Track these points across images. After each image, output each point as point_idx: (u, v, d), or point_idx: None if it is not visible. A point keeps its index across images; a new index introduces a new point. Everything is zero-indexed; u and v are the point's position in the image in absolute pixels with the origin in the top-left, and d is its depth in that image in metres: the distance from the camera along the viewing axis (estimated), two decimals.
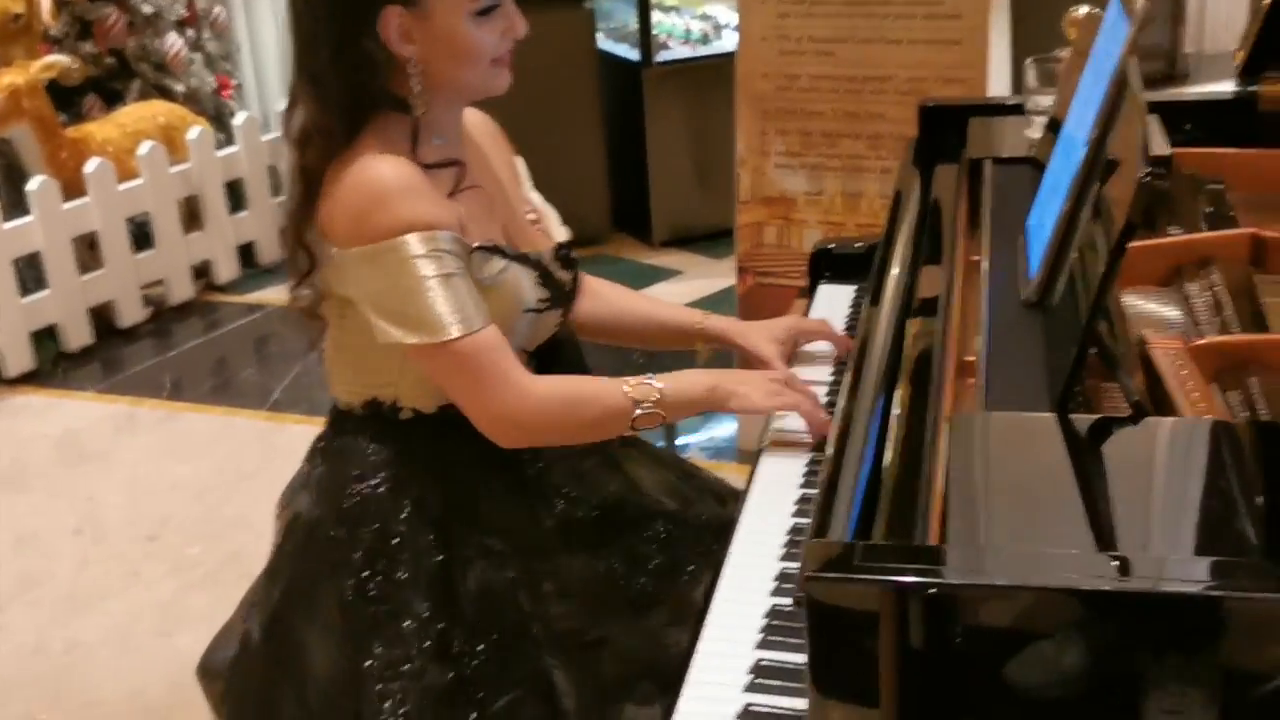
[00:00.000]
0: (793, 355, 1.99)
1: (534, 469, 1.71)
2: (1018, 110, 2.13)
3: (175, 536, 3.36)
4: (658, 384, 1.66)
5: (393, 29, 1.58)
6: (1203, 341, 1.43)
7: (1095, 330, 1.27)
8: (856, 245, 2.25)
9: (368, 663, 1.61)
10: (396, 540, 1.66)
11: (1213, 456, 1.17)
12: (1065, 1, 2.42)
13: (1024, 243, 1.63)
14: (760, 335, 1.95)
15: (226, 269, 4.91)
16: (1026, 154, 1.93)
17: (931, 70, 3.02)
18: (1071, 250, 1.46)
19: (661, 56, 4.81)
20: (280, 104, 5.16)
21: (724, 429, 3.60)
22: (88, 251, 4.45)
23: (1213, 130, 2.02)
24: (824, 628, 1.05)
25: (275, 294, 4.78)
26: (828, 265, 2.26)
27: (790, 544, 1.53)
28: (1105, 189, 1.40)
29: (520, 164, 1.89)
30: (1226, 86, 2.09)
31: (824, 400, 1.86)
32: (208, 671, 1.85)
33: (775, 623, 1.41)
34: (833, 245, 2.29)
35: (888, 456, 1.34)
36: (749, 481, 1.69)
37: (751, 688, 1.33)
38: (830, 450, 1.46)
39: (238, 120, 4.93)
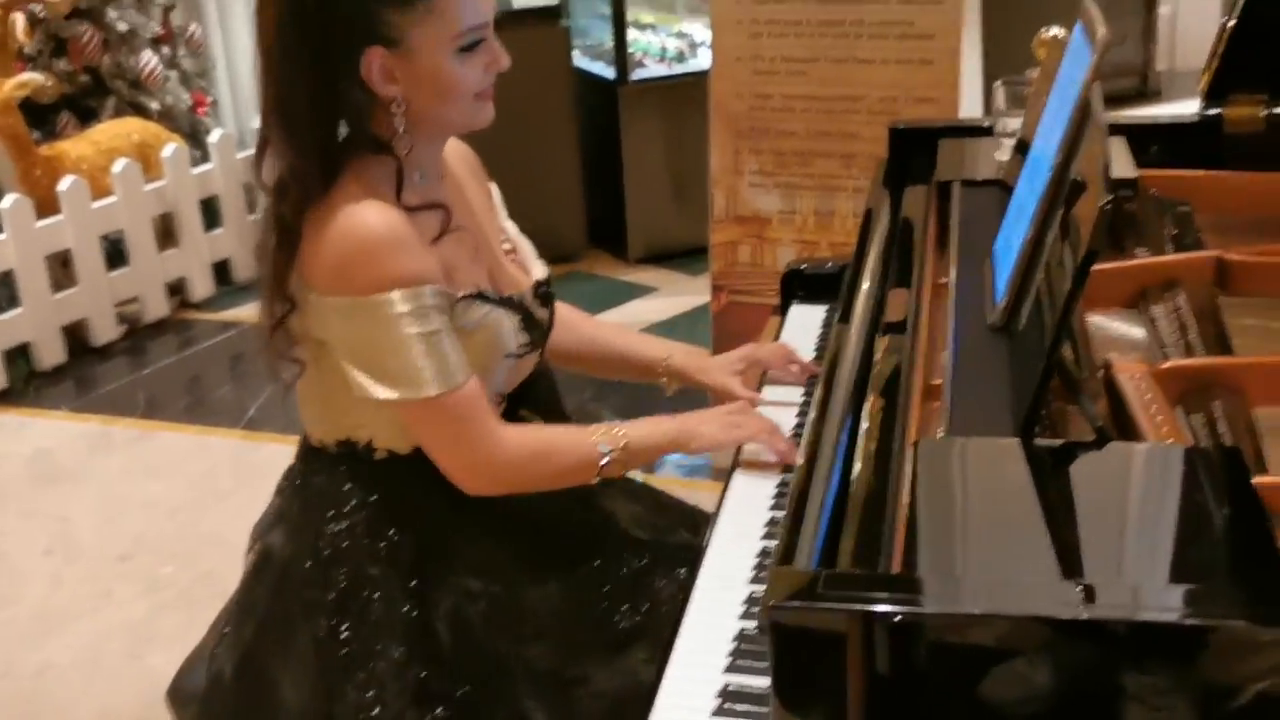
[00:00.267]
0: (762, 378, 2.00)
1: (508, 508, 1.71)
2: (987, 132, 2.15)
3: (148, 556, 3.34)
4: (624, 432, 1.68)
5: (375, 70, 1.56)
6: (1166, 365, 1.44)
7: (1059, 355, 1.28)
8: (828, 265, 2.26)
9: (340, 705, 1.61)
10: (370, 582, 1.66)
11: (1175, 482, 1.18)
12: (1036, 22, 2.44)
13: (991, 266, 1.64)
14: (720, 370, 1.98)
15: (202, 286, 4.89)
16: (995, 176, 1.95)
17: (904, 90, 3.04)
18: (1037, 274, 1.47)
19: (637, 74, 4.82)
20: (256, 120, 5.17)
21: None
22: (61, 269, 4.43)
23: (1179, 152, 2.04)
24: (788, 655, 1.05)
25: (251, 311, 4.69)
26: (800, 285, 2.27)
27: (759, 567, 1.53)
28: (1074, 211, 1.41)
29: (495, 192, 1.89)
30: (1197, 105, 2.11)
31: (794, 420, 1.87)
32: (178, 696, 1.84)
33: (744, 646, 1.41)
34: (804, 265, 2.30)
35: (854, 480, 1.35)
36: (719, 503, 1.70)
37: (719, 712, 1.33)
38: (797, 475, 1.46)
39: (213, 137, 4.92)
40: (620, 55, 4.77)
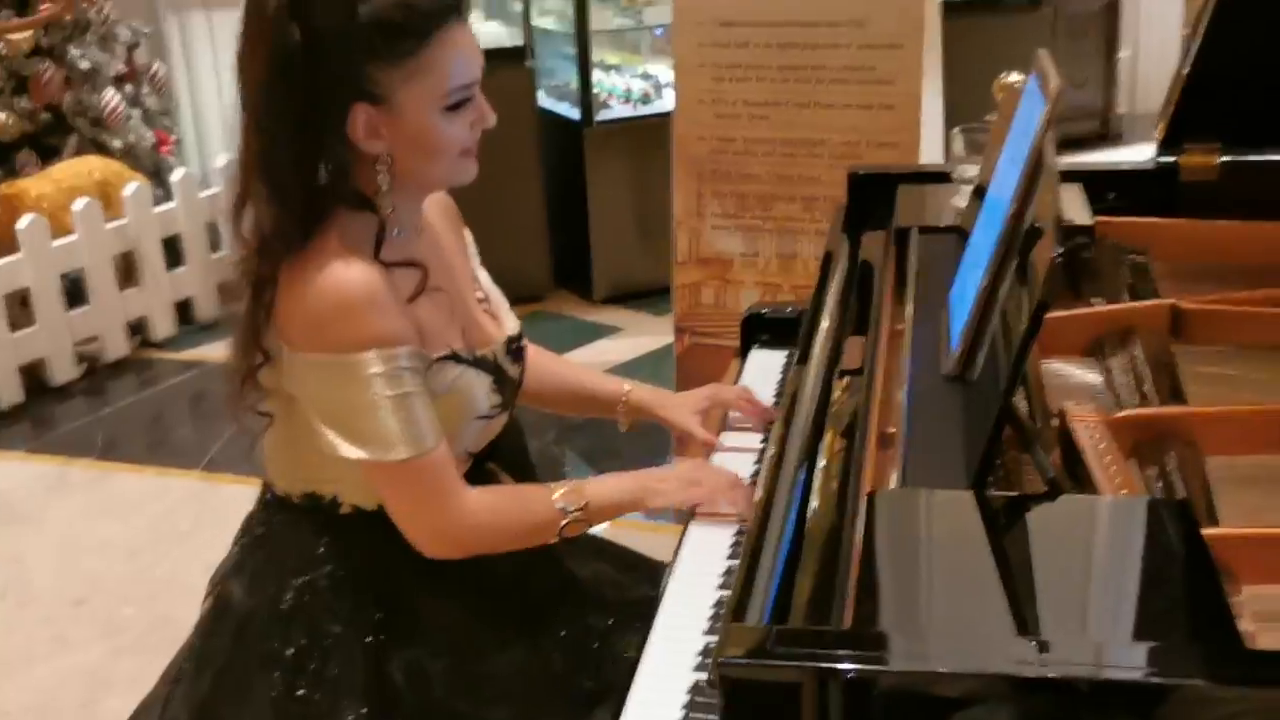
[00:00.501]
0: (723, 421, 2.00)
1: (472, 569, 1.68)
2: (945, 178, 2.15)
3: (104, 599, 3.30)
4: (585, 491, 1.67)
5: (360, 126, 1.54)
6: (1121, 415, 1.45)
7: (1012, 406, 1.28)
8: (788, 310, 2.26)
9: None
10: (330, 639, 1.64)
11: (1127, 536, 1.18)
12: (996, 67, 2.46)
13: (947, 313, 1.64)
14: (681, 408, 1.97)
15: (163, 325, 4.85)
16: (953, 222, 1.95)
17: (865, 134, 3.06)
18: (992, 322, 1.47)
19: (602, 115, 4.84)
20: (220, 159, 5.18)
21: None
22: (20, 308, 4.39)
23: (1136, 199, 2.05)
24: (738, 710, 1.04)
25: (213, 351, 4.73)
26: (760, 329, 2.27)
27: (714, 618, 1.52)
28: (1031, 257, 1.41)
29: (470, 240, 1.87)
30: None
31: (753, 467, 1.86)
32: None
33: (698, 699, 1.40)
34: (765, 309, 2.31)
35: (809, 528, 1.34)
36: (676, 552, 1.69)
37: None
38: (751, 527, 1.45)
39: (176, 176, 4.90)
40: (585, 96, 4.78)
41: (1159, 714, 0.99)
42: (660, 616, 1.55)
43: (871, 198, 2.16)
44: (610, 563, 1.89)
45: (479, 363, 1.68)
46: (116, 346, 4.70)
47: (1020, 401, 1.42)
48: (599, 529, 1.84)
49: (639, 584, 1.85)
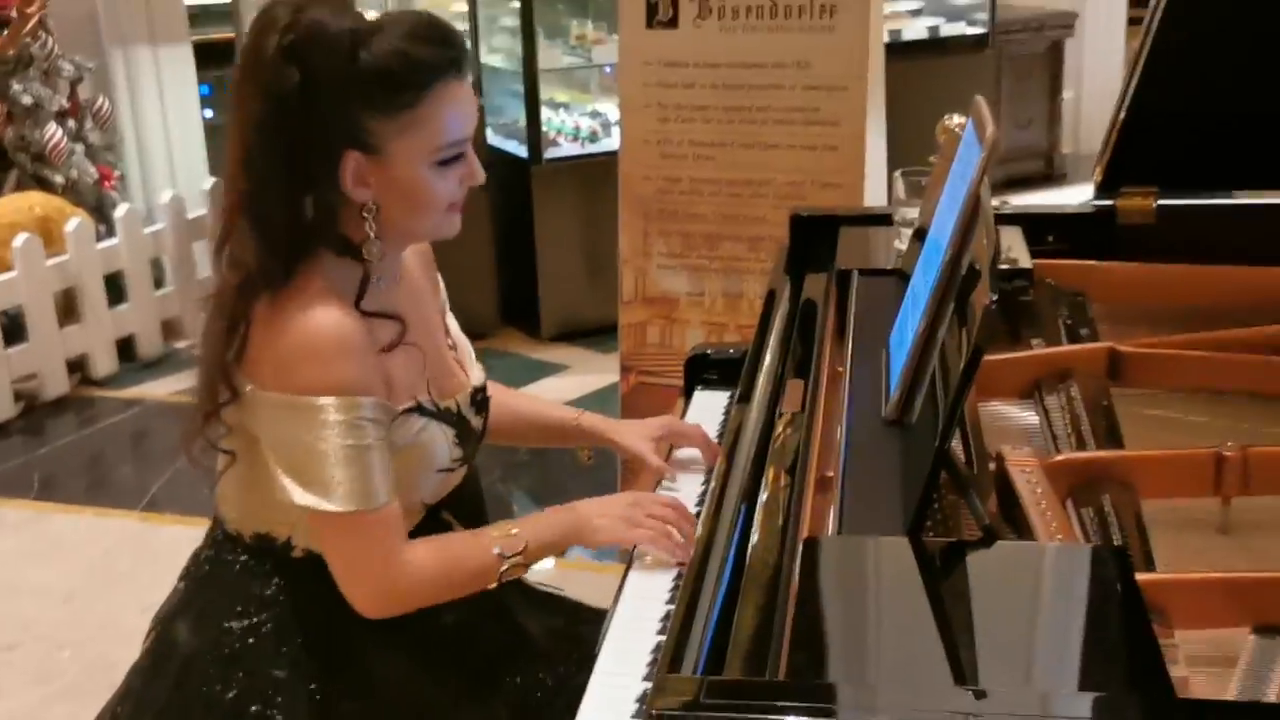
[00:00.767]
0: (670, 455, 1.99)
1: (421, 621, 1.65)
2: (888, 220, 2.16)
3: (38, 644, 3.23)
4: (521, 534, 1.65)
5: (349, 173, 1.53)
6: (1057, 459, 1.45)
7: (949, 452, 1.28)
8: (731, 350, 2.26)
9: None
10: (273, 685, 1.61)
11: (1062, 583, 1.17)
12: (943, 108, 2.48)
13: (887, 357, 1.64)
14: (635, 434, 1.96)
15: (104, 363, 4.79)
16: (895, 265, 1.96)
17: (810, 175, 3.07)
18: (930, 366, 1.47)
19: (550, 153, 4.84)
20: (164, 195, 5.13)
21: None
22: None
23: (1076, 242, 2.07)
24: None
25: (155, 389, 4.68)
26: (704, 369, 2.27)
27: (653, 663, 1.50)
28: (970, 300, 1.42)
29: (442, 289, 1.86)
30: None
31: (695, 507, 1.85)
32: None
33: None
34: (709, 350, 2.30)
35: (749, 570, 1.33)
36: (616, 596, 1.67)
37: None
38: (687, 575, 1.44)
39: (119, 212, 4.85)
40: (534, 134, 4.78)
41: None
42: (599, 662, 1.53)
43: (814, 239, 2.16)
44: (561, 616, 1.87)
45: (443, 415, 1.67)
46: (56, 384, 4.63)
47: (959, 445, 1.42)
48: (547, 575, 1.83)
49: (591, 635, 1.83)
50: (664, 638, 1.54)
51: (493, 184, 4.88)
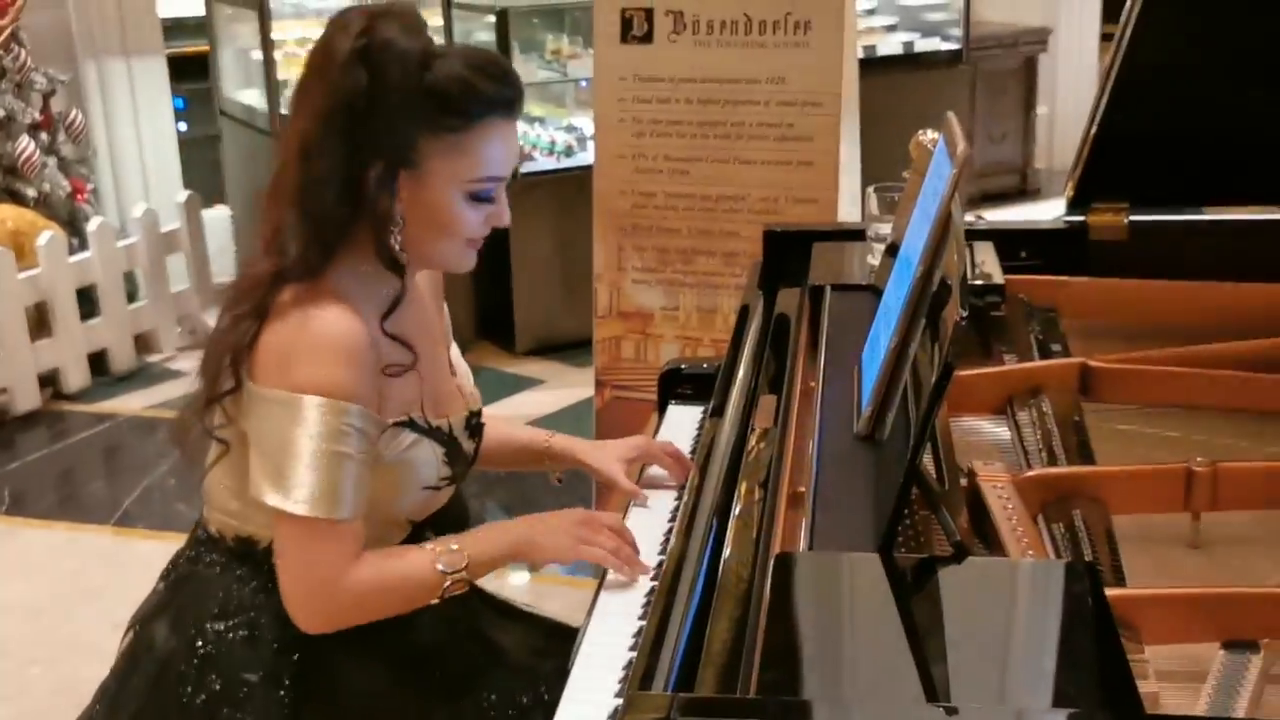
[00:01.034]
0: (640, 474, 1.98)
1: (395, 633, 1.65)
2: (861, 236, 2.17)
3: (8, 661, 3.20)
4: (463, 549, 1.64)
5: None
6: (1028, 475, 1.45)
7: (920, 468, 1.28)
8: (705, 365, 2.26)
9: None
10: (245, 689, 1.61)
11: (1032, 599, 1.18)
12: (917, 123, 2.48)
13: (859, 373, 1.64)
14: (607, 455, 1.95)
15: (76, 377, 4.76)
16: (867, 280, 1.96)
17: (784, 190, 3.08)
18: (902, 382, 1.47)
19: (526, 168, 4.83)
20: (137, 209, 5.10)
21: None
22: None
23: (1048, 257, 2.08)
24: None
25: (127, 403, 4.65)
26: (678, 384, 2.27)
27: (625, 680, 1.50)
28: (942, 315, 1.42)
29: (446, 312, 1.87)
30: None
31: (666, 527, 1.85)
32: None
33: None
34: (683, 365, 2.30)
35: (721, 585, 1.33)
36: (589, 612, 1.66)
37: None
38: (658, 591, 1.44)
39: (92, 226, 4.82)
40: None
41: None
42: (572, 679, 1.52)
43: (787, 254, 2.17)
44: (536, 632, 1.86)
45: (434, 433, 1.67)
46: (27, 398, 4.60)
47: (930, 460, 1.42)
48: (522, 591, 1.82)
49: (564, 654, 1.82)
50: (635, 653, 1.54)
51: None
